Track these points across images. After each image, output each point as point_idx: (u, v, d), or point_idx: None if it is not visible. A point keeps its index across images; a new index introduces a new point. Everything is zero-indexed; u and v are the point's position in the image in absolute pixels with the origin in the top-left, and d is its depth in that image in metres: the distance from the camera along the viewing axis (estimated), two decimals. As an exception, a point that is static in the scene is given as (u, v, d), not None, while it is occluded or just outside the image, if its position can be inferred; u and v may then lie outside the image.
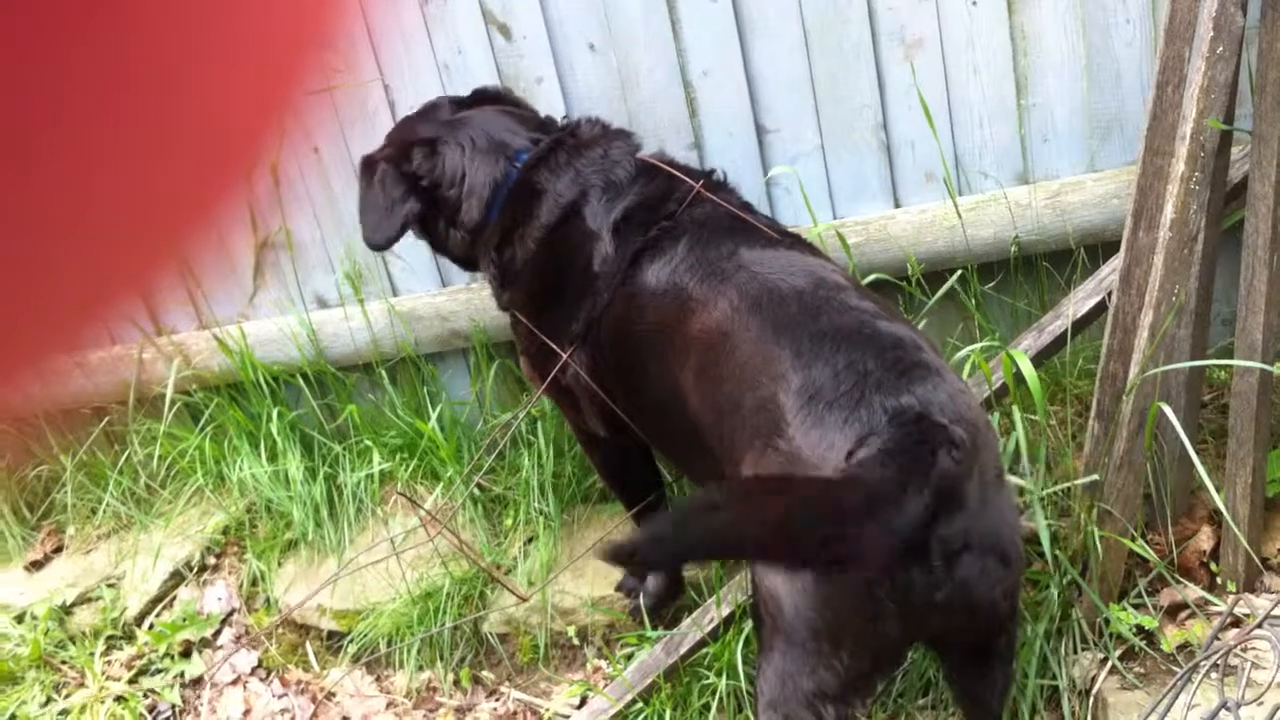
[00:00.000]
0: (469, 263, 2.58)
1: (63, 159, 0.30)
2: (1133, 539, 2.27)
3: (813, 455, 1.75)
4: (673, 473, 2.73)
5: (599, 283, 2.28)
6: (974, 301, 2.67)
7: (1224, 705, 1.87)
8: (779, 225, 2.32)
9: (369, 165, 2.49)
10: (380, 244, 2.49)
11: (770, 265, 2.08)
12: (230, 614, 3.16)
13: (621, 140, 2.44)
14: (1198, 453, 2.24)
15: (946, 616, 1.78)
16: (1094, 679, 2.24)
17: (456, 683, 2.85)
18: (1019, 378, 2.32)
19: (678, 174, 2.34)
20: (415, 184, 2.45)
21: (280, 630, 3.06)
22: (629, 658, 2.62)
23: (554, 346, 2.35)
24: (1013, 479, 2.22)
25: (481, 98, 2.59)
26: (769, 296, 2.00)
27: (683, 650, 2.48)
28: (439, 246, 2.59)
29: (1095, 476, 2.28)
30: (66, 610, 3.23)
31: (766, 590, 1.85)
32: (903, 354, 1.82)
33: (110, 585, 3.25)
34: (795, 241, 2.23)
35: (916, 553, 1.68)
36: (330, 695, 2.93)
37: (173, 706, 3.03)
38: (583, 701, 2.66)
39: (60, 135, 0.30)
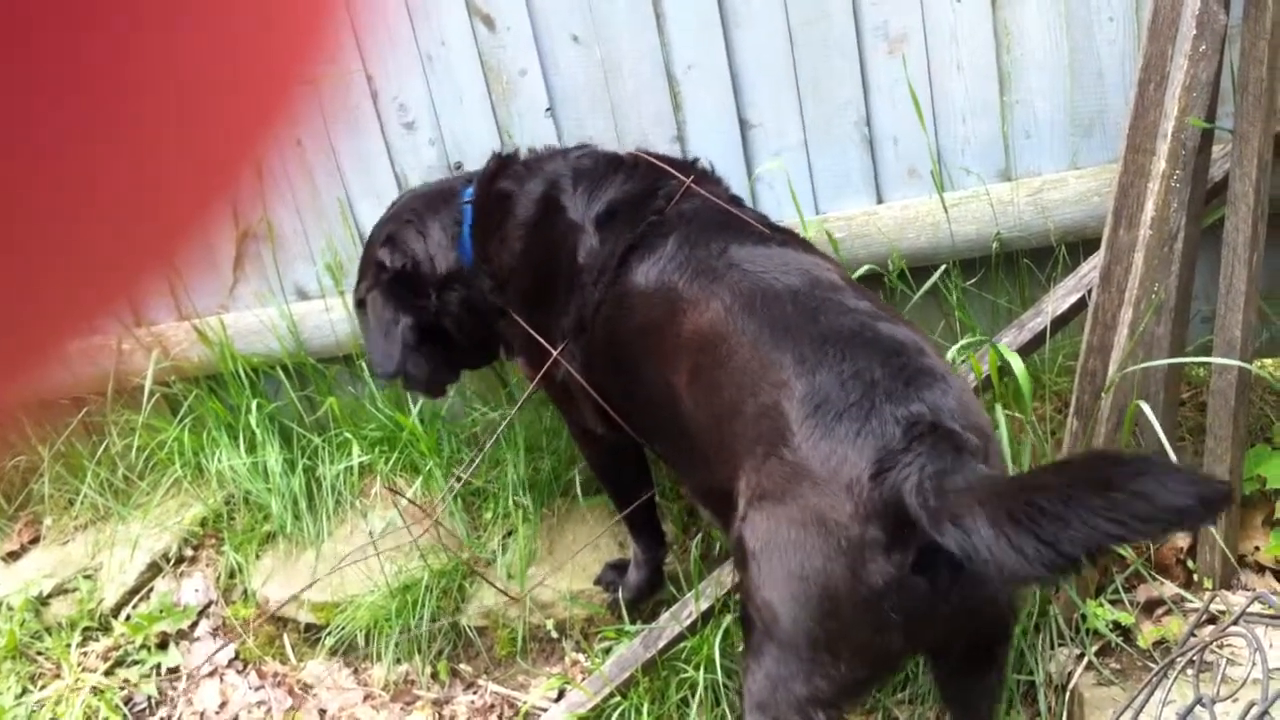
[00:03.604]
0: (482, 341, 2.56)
1: (58, 160, 0.30)
2: (1111, 535, 2.27)
3: (822, 468, 1.70)
4: (664, 475, 2.73)
5: (585, 276, 2.23)
6: (955, 298, 2.67)
7: (1199, 701, 1.87)
8: (769, 220, 2.28)
9: (360, 305, 2.55)
10: (390, 371, 2.47)
11: (763, 263, 2.01)
12: (207, 606, 3.15)
13: (578, 147, 2.47)
14: (1176, 450, 2.25)
15: (950, 626, 1.76)
16: (1070, 674, 2.24)
17: (434, 675, 2.84)
18: (1002, 373, 2.32)
19: (662, 166, 2.32)
20: (394, 280, 2.47)
21: (257, 622, 3.05)
22: (607, 651, 2.61)
23: (545, 344, 2.32)
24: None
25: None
26: (763, 297, 1.94)
27: (661, 644, 2.47)
28: (450, 337, 2.54)
29: (1074, 473, 2.28)
30: (43, 601, 3.21)
31: (762, 600, 1.80)
32: (907, 360, 1.78)
33: (87, 576, 3.23)
34: (788, 238, 2.18)
35: (924, 564, 1.65)
36: (307, 687, 2.92)
37: (149, 698, 3.01)
38: (560, 694, 2.65)
39: (57, 136, 0.30)
